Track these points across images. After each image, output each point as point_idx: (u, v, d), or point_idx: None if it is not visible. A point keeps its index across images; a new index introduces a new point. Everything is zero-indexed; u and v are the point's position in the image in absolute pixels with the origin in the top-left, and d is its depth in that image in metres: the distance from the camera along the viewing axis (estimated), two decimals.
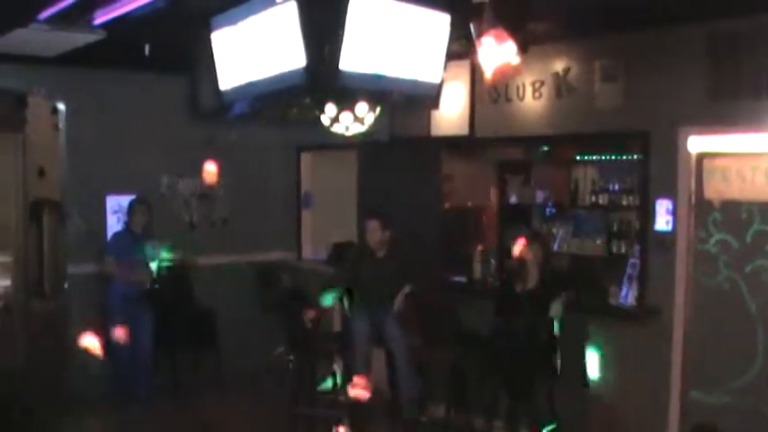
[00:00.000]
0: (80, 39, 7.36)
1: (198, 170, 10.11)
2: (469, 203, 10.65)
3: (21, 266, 5.63)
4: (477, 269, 9.19)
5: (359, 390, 7.67)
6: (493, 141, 8.96)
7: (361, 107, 6.05)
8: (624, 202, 8.51)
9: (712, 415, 6.85)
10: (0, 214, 5.58)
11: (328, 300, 8.28)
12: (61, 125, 6.14)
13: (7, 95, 5.67)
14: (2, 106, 5.60)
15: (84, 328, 6.14)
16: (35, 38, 7.26)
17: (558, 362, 7.46)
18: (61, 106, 6.13)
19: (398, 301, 8.16)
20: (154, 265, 9.27)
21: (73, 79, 8.59)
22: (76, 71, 8.73)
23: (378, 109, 6.20)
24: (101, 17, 6.61)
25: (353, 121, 6.14)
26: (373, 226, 8.32)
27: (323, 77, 5.37)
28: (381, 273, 8.24)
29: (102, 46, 7.49)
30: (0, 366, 5.61)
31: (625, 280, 7.75)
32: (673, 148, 7.05)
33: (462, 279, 9.14)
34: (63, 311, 6.30)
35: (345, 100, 5.98)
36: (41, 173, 5.77)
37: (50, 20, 6.71)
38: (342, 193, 10.38)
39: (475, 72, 8.44)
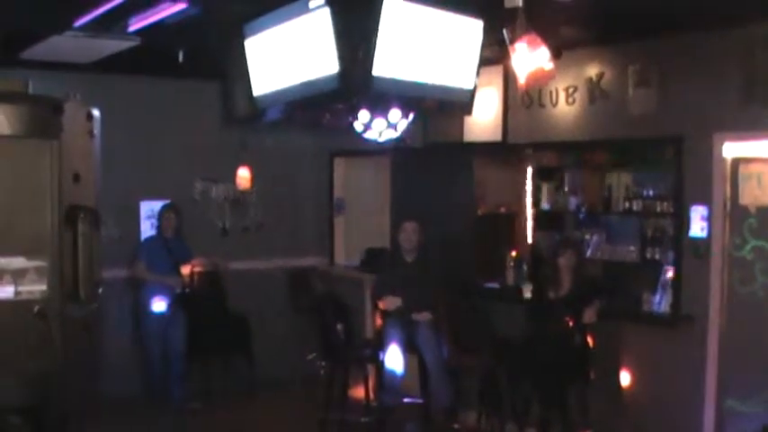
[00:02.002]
0: (115, 45, 7.42)
1: (231, 176, 10.19)
2: (502, 209, 10.64)
3: (56, 271, 5.64)
4: (510, 275, 9.15)
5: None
6: (526, 147, 8.94)
7: (395, 113, 6.05)
8: (658, 209, 8.46)
9: (748, 424, 6.79)
10: (36, 220, 5.59)
11: None
12: (96, 131, 6.16)
13: (43, 102, 5.69)
14: (38, 113, 5.63)
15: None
16: (71, 45, 7.32)
17: (592, 368, 7.43)
18: (96, 112, 6.15)
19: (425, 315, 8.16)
20: (186, 270, 9.33)
21: (108, 86, 8.67)
22: (111, 78, 8.82)
23: (411, 115, 6.19)
24: (135, 24, 6.66)
25: (386, 127, 6.14)
26: (413, 228, 8.32)
27: (356, 83, 5.38)
28: (412, 278, 8.23)
29: (136, 52, 7.55)
30: (36, 370, 5.63)
31: (659, 287, 7.69)
32: (707, 154, 7.00)
33: (495, 285, 9.10)
34: (97, 316, 6.32)
35: (378, 106, 5.98)
36: (76, 179, 5.78)
37: (86, 27, 6.77)
38: (374, 198, 10.38)
39: (508, 78, 8.41)
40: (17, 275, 5.54)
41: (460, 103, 6.24)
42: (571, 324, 7.40)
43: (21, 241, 5.57)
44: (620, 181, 9.19)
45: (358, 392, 8.76)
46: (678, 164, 7.34)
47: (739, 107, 6.76)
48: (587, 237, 9.35)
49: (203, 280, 9.74)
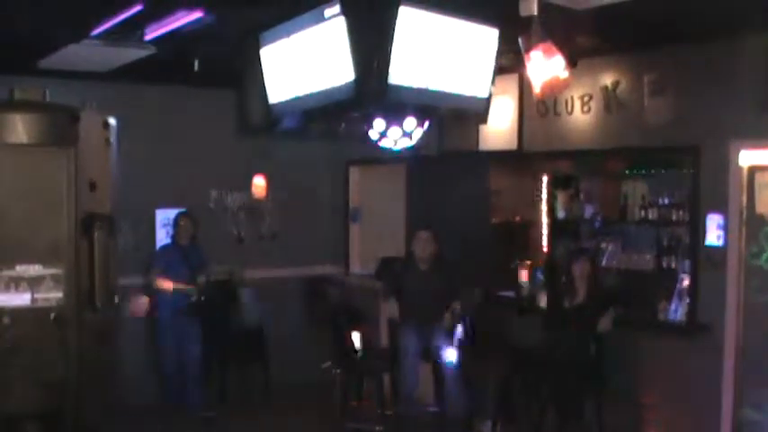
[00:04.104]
0: (131, 54, 7.45)
1: (247, 184, 10.22)
2: (518, 218, 10.63)
3: (72, 279, 5.67)
4: (526, 284, 9.14)
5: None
6: (541, 156, 8.92)
7: (410, 122, 6.05)
8: (674, 217, 8.44)
9: None
10: (52, 227, 5.63)
11: None
12: (112, 140, 6.20)
13: (60, 111, 5.73)
14: (55, 121, 5.67)
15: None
16: (87, 54, 7.36)
17: (607, 377, 7.42)
18: (112, 121, 6.19)
19: (447, 319, 8.14)
20: (201, 278, 9.33)
21: (124, 94, 8.70)
22: (127, 86, 8.85)
23: (426, 123, 6.20)
24: (151, 33, 6.69)
25: (402, 135, 6.14)
26: (427, 236, 8.33)
27: (371, 92, 5.38)
28: (427, 286, 8.23)
29: (152, 61, 7.58)
30: (53, 377, 5.66)
31: (675, 295, 7.67)
32: (723, 162, 6.98)
33: (510, 293, 9.09)
34: (114, 323, 6.35)
35: (394, 114, 5.99)
36: (93, 187, 5.81)
37: (102, 36, 6.80)
38: (390, 207, 10.38)
39: (523, 86, 8.41)
40: (34, 283, 5.57)
41: (476, 111, 6.24)
42: (586, 332, 7.39)
43: (37, 249, 5.60)
44: (635, 189, 9.17)
45: (373, 401, 8.75)
46: (694, 172, 7.32)
47: (755, 115, 6.73)
48: (603, 245, 9.32)
49: (219, 288, 9.74)
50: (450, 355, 8.11)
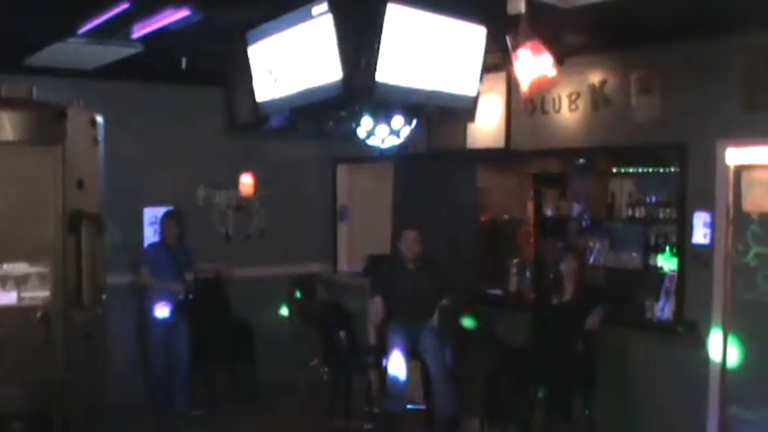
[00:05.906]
0: (118, 52, 7.43)
1: (234, 182, 10.21)
2: (505, 216, 10.60)
3: (59, 277, 5.65)
4: (513, 282, 9.14)
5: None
6: (529, 154, 8.92)
7: (397, 120, 6.06)
8: (661, 215, 8.42)
9: (754, 431, 6.77)
10: (39, 226, 5.61)
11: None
12: (100, 137, 6.17)
13: (47, 108, 5.71)
14: (42, 119, 5.64)
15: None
16: (74, 51, 7.34)
17: (595, 375, 7.43)
18: (100, 119, 6.17)
19: (436, 317, 8.15)
20: (189, 276, 9.31)
21: (111, 92, 8.67)
22: (115, 84, 8.82)
23: (414, 122, 6.20)
24: (138, 31, 6.68)
25: (389, 133, 6.14)
26: (414, 237, 8.32)
27: (359, 90, 5.39)
28: (415, 285, 8.23)
29: (139, 59, 7.57)
30: (39, 377, 5.64)
31: (662, 293, 7.68)
32: (710, 161, 6.99)
33: (498, 292, 9.10)
34: (101, 322, 6.33)
35: (381, 113, 5.99)
36: (80, 185, 5.79)
37: (89, 34, 6.79)
38: (378, 205, 10.38)
39: (511, 84, 8.41)
40: (20, 281, 5.55)
41: (464, 109, 6.25)
42: (574, 331, 7.40)
43: (24, 247, 5.58)
44: (623, 188, 9.15)
45: (361, 399, 8.75)
46: (681, 170, 7.34)
47: (742, 114, 6.75)
48: (591, 243, 9.31)
49: (206, 286, 9.72)
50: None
